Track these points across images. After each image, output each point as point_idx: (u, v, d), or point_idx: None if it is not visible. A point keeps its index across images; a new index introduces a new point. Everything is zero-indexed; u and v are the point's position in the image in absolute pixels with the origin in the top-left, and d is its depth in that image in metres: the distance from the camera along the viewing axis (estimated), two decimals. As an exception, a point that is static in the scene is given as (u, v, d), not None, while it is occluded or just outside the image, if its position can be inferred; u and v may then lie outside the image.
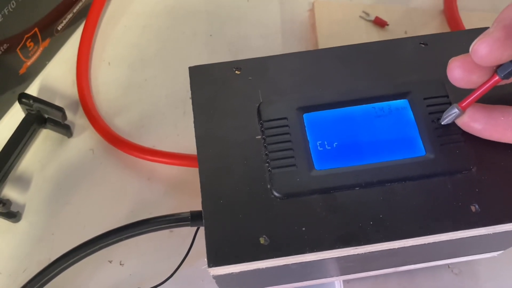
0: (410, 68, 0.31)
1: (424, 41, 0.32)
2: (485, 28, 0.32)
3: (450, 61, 0.26)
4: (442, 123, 0.29)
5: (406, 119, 0.29)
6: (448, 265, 0.38)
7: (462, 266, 0.38)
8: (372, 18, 0.47)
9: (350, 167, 0.28)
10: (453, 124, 0.29)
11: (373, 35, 0.47)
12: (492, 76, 0.26)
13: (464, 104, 0.27)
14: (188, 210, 0.34)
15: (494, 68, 0.26)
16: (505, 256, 0.37)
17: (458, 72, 0.26)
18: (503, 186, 0.27)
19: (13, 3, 0.37)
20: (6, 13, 0.37)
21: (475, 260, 0.37)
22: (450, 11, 0.48)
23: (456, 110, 0.28)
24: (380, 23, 0.47)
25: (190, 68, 0.32)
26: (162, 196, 0.40)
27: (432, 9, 0.49)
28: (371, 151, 0.29)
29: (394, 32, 0.47)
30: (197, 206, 0.28)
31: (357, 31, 0.47)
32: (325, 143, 0.29)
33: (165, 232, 0.38)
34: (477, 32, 0.31)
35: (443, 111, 0.29)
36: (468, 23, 0.47)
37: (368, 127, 0.29)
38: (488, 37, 0.24)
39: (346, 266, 0.31)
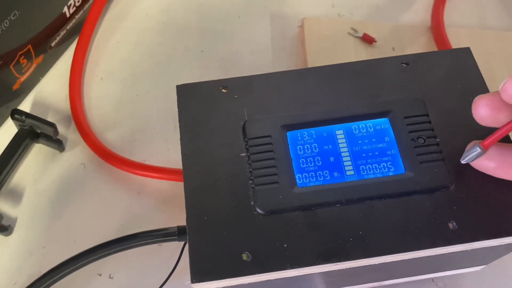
0: (391, 87, 0.32)
1: (406, 61, 0.33)
2: (466, 49, 0.31)
3: (476, 98, 0.25)
4: (462, 162, 0.28)
5: (386, 137, 0.30)
6: (432, 279, 0.38)
7: (446, 280, 0.38)
8: (360, 34, 0.48)
9: (331, 185, 0.29)
10: (432, 143, 0.29)
11: (361, 52, 0.48)
12: None
13: (486, 143, 0.26)
14: (178, 224, 0.34)
15: None
16: (489, 269, 0.37)
17: (485, 110, 0.25)
18: (480, 204, 0.28)
19: (6, 22, 0.38)
20: (0, 31, 0.38)
21: (459, 274, 0.38)
22: (437, 28, 0.48)
23: (478, 149, 0.27)
24: (368, 39, 0.48)
25: (177, 86, 0.33)
26: (152, 210, 0.41)
27: (419, 26, 0.50)
28: (352, 168, 0.29)
29: (382, 48, 0.48)
30: (186, 220, 0.29)
31: (345, 47, 0.48)
32: (308, 160, 0.30)
33: (154, 245, 0.38)
34: (456, 52, 0.32)
35: (422, 130, 0.30)
36: (456, 39, 0.48)
37: (350, 145, 0.30)
38: None
39: (329, 280, 0.31)
